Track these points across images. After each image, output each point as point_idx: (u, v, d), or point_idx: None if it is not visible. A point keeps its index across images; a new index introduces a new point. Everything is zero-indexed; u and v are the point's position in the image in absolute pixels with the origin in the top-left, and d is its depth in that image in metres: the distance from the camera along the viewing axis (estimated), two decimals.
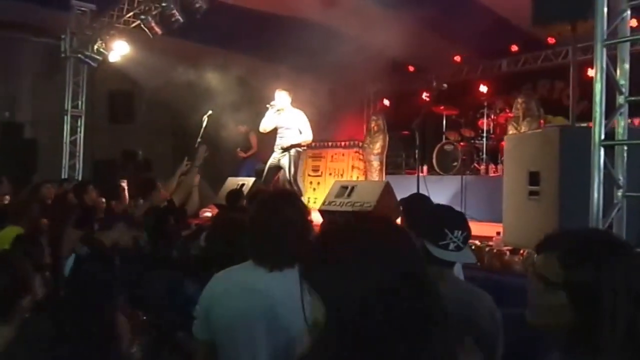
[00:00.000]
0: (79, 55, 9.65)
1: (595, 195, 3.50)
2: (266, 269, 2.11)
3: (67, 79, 10.21)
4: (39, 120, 11.05)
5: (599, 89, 3.62)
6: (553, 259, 1.42)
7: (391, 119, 10.79)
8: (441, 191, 9.31)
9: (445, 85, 8.43)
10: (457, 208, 8.37)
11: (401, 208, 3.60)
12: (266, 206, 2.27)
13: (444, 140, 10.33)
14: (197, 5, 7.56)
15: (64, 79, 10.29)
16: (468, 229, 2.41)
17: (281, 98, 7.88)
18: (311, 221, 2.59)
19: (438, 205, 3.84)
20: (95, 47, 9.44)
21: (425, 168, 10.25)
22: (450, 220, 2.41)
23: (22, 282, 2.47)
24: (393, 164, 10.75)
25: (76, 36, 9.72)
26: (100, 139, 10.83)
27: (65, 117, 10.28)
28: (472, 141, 10.19)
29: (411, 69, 11.90)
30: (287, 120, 7.81)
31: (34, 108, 11.27)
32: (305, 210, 2.30)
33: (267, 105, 7.82)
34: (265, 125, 7.91)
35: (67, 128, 10.33)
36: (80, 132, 10.46)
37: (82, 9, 9.69)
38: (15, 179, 8.68)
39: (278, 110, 7.73)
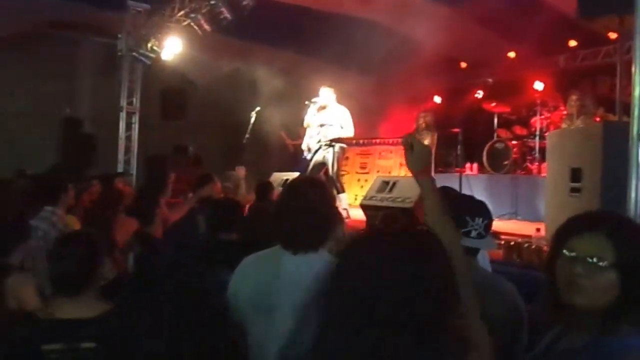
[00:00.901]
0: (134, 54, 9.97)
1: (633, 191, 3.31)
2: (291, 253, 2.16)
3: (122, 76, 10.55)
4: (97, 117, 11.49)
5: (637, 82, 3.43)
6: (600, 239, 1.37)
7: (441, 116, 10.62)
8: (491, 190, 9.10)
9: (490, 80, 8.19)
10: (507, 208, 8.24)
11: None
12: (289, 191, 2.34)
13: (495, 139, 10.05)
14: (245, 2, 7.68)
15: (120, 76, 10.64)
16: (489, 217, 2.42)
17: (325, 94, 7.92)
18: (336, 207, 2.63)
19: (460, 194, 3.79)
20: (149, 45, 9.73)
21: (475, 166, 10.03)
22: (471, 207, 2.42)
23: (99, 254, 2.55)
24: (443, 162, 10.56)
25: (131, 35, 10.04)
26: (153, 135, 11.15)
27: (121, 114, 10.63)
28: (525, 140, 9.86)
29: (463, 65, 11.66)
30: (330, 116, 7.84)
31: (92, 105, 11.72)
32: (328, 197, 2.34)
33: (307, 102, 7.86)
34: (309, 122, 7.96)
35: (122, 124, 10.68)
36: (134, 128, 10.78)
37: (137, 8, 10.00)
38: (75, 172, 9.05)
39: (321, 106, 7.76)
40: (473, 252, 2.37)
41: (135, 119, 10.75)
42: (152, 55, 9.87)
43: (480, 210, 2.42)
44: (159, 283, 2.79)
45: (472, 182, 9.06)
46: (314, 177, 4.14)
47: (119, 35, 10.22)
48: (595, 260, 1.38)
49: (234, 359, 2.34)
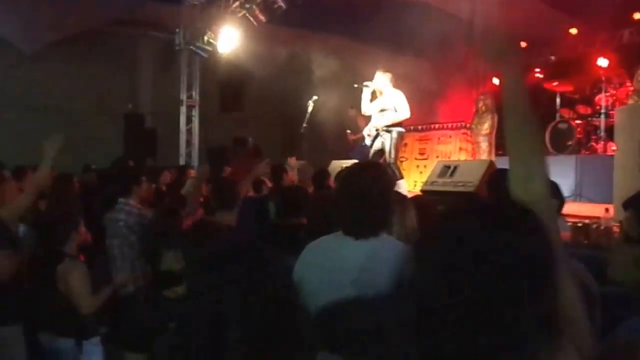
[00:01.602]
0: (191, 47, 10.16)
1: None
2: (352, 238, 2.19)
3: (181, 70, 10.77)
4: (158, 111, 11.79)
5: None
6: (632, 216, 1.37)
7: (501, 98, 10.37)
8: (554, 171, 8.82)
9: (552, 57, 7.92)
10: (572, 189, 7.96)
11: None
12: (347, 178, 2.38)
13: (557, 119, 9.77)
14: None
15: (178, 70, 10.86)
16: (561, 198, 2.44)
17: (381, 80, 7.85)
18: (397, 192, 2.61)
19: None
20: (206, 38, 9.89)
21: None
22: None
23: None
24: (504, 145, 10.33)
25: (188, 29, 10.24)
26: (213, 128, 11.35)
27: (181, 107, 10.87)
28: (589, 118, 9.54)
29: (522, 44, 11.32)
30: (387, 101, 7.77)
31: (153, 99, 12.03)
32: (387, 181, 2.36)
33: (356, 85, 7.79)
34: (366, 108, 7.93)
35: (183, 118, 10.92)
36: (194, 121, 11.00)
37: (194, 2, 10.16)
38: (139, 164, 9.34)
39: (378, 91, 7.71)
40: None
41: (195, 112, 10.97)
42: (208, 48, 10.04)
43: (552, 191, 2.37)
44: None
45: None
46: (372, 162, 4.13)
47: (177, 30, 10.43)
48: (626, 234, 1.39)
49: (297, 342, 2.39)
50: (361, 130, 10.13)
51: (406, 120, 7.81)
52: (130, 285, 4.01)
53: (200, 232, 3.24)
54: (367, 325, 2.10)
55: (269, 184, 6.53)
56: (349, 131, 10.37)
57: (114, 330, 3.69)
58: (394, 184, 2.54)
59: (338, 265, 2.19)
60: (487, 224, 1.07)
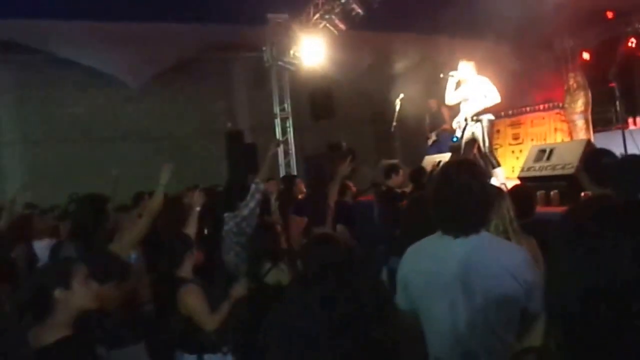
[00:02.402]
0: (280, 63, 10.65)
1: None
2: (451, 237, 2.18)
3: (272, 85, 11.28)
4: (255, 126, 12.42)
5: None
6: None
7: (593, 72, 10.02)
8: None
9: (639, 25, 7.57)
10: None
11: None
12: (441, 176, 2.34)
13: None
14: None
15: (270, 86, 11.39)
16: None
17: (465, 69, 7.84)
18: (492, 186, 2.61)
19: (629, 155, 3.55)
20: (292, 52, 10.34)
21: (639, 120, 9.39)
22: None
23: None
24: (602, 121, 9.99)
25: (275, 46, 10.73)
26: (307, 136, 11.79)
27: (276, 120, 11.38)
28: None
29: (610, 15, 10.86)
30: (472, 90, 7.74)
31: (249, 116, 12.69)
32: (481, 177, 2.29)
33: (442, 75, 7.81)
34: (450, 98, 7.93)
35: (278, 130, 11.43)
36: (289, 132, 11.47)
37: (277, 20, 10.64)
38: (242, 181, 9.91)
39: (460, 80, 7.72)
40: None
41: (289, 123, 11.43)
42: (295, 61, 10.48)
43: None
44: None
45: (638, 137, 8.50)
46: (464, 159, 4.07)
47: (264, 48, 10.96)
48: None
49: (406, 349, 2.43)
50: (446, 122, 10.16)
51: (495, 106, 7.79)
52: None
53: (318, 241, 3.17)
54: (477, 326, 2.09)
55: (353, 189, 6.72)
56: (428, 135, 10.30)
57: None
58: (489, 177, 2.55)
59: (442, 267, 2.17)
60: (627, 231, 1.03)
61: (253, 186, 4.96)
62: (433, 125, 10.37)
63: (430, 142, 10.25)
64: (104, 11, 9.41)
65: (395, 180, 6.79)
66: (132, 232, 3.96)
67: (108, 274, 3.22)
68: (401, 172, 6.94)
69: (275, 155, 11.15)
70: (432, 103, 10.26)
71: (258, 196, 4.90)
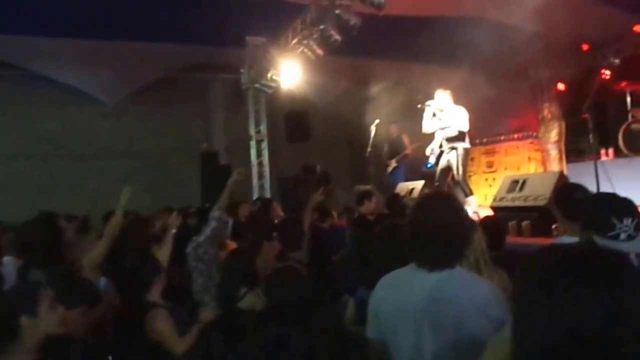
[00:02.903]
0: (257, 85, 10.64)
1: None
2: (426, 270, 2.16)
3: (249, 107, 11.26)
4: (230, 148, 12.36)
5: None
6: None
7: (568, 103, 10.18)
8: (632, 175, 8.59)
9: (617, 61, 7.76)
10: None
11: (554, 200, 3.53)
12: (420, 208, 2.32)
13: (630, 119, 9.47)
14: (352, 23, 7.93)
15: (247, 107, 11.36)
16: (639, 215, 2.26)
17: (442, 98, 7.93)
18: (469, 220, 2.60)
19: (601, 193, 3.61)
20: (269, 75, 10.34)
21: (611, 151, 9.52)
22: (618, 207, 2.29)
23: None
24: (575, 151, 10.11)
25: (252, 68, 10.73)
26: (282, 158, 11.75)
27: (251, 142, 11.33)
28: None
29: (585, 47, 11.07)
30: (449, 119, 7.82)
31: (225, 137, 12.63)
32: (459, 211, 2.30)
33: (419, 105, 7.90)
34: (427, 127, 8.00)
35: (253, 152, 11.37)
36: (264, 154, 11.43)
37: (255, 43, 10.64)
38: (214, 202, 9.80)
39: (439, 109, 7.79)
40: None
41: (265, 145, 11.39)
42: (272, 84, 10.47)
43: (627, 209, 2.27)
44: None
45: (609, 168, 8.58)
46: (443, 192, 4.07)
47: (241, 70, 10.95)
48: None
49: None
50: (407, 148, 10.24)
51: (471, 134, 7.86)
52: None
53: (279, 276, 3.20)
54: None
55: (334, 215, 6.71)
56: (388, 161, 10.35)
57: None
58: (465, 211, 2.53)
59: (412, 300, 2.15)
60: (584, 282, 1.03)
61: (211, 213, 4.98)
62: (392, 152, 10.42)
63: (389, 169, 10.29)
64: (82, 29, 9.33)
65: (368, 207, 6.77)
66: (91, 255, 3.88)
67: (77, 298, 3.16)
68: (374, 198, 6.92)
69: (244, 180, 11.12)
70: (393, 129, 10.35)
71: (214, 224, 4.90)
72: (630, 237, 2.20)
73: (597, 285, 1.02)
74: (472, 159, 9.77)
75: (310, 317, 1.21)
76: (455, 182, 7.84)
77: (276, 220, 7.28)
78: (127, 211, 7.56)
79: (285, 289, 2.87)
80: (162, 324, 3.50)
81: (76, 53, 10.08)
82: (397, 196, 7.66)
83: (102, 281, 4.16)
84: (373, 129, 9.40)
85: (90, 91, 11.48)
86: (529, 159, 9.91)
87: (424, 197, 2.60)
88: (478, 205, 8.17)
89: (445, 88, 8.04)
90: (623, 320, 0.99)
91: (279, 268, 3.59)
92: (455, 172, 7.81)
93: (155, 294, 3.69)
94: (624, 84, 9.70)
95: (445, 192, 4.98)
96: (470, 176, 9.37)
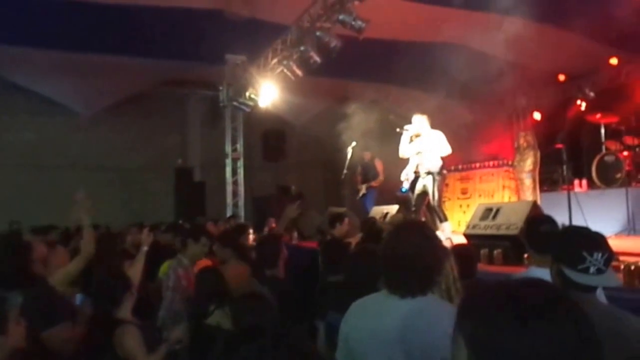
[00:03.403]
0: (235, 103, 10.57)
1: None
2: (398, 297, 2.17)
3: (226, 125, 11.18)
4: (206, 164, 12.26)
5: None
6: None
7: (544, 133, 10.28)
8: (604, 206, 8.67)
9: (594, 88, 7.85)
10: (623, 223, 7.74)
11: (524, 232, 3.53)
12: (394, 235, 2.34)
13: (603, 151, 9.58)
14: (332, 45, 7.93)
15: (223, 125, 11.29)
16: (609, 250, 2.29)
17: (419, 122, 7.92)
18: (441, 248, 2.57)
19: (573, 226, 3.64)
20: (247, 94, 10.29)
21: (584, 182, 9.60)
22: (588, 241, 2.31)
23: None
24: (549, 181, 10.18)
25: (231, 86, 10.68)
26: (258, 177, 11.68)
27: (227, 160, 11.22)
28: (637, 149, 9.32)
29: (562, 78, 11.25)
30: (426, 143, 7.82)
31: (201, 154, 12.54)
32: (433, 240, 2.33)
33: (398, 130, 7.91)
34: (404, 152, 7.98)
35: (229, 169, 11.27)
36: (240, 172, 11.33)
37: (235, 62, 10.61)
38: (188, 218, 9.69)
39: (415, 134, 7.79)
40: (591, 288, 2.28)
41: (240, 163, 11.29)
42: (250, 103, 10.42)
43: (598, 243, 2.29)
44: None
45: (582, 199, 8.66)
46: (417, 221, 4.12)
47: (220, 88, 10.89)
48: None
49: None
50: (379, 174, 10.25)
51: (447, 160, 7.85)
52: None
53: (249, 301, 3.22)
54: None
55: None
56: (359, 186, 10.33)
57: None
58: (438, 239, 2.54)
59: (384, 326, 2.16)
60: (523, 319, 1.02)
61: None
62: (364, 176, 10.42)
63: (360, 194, 10.27)
64: (59, 39, 9.21)
65: (340, 230, 6.68)
66: (66, 270, 3.83)
67: (58, 316, 3.22)
68: (346, 221, 6.85)
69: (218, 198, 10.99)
70: (366, 155, 10.33)
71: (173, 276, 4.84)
72: (599, 271, 2.22)
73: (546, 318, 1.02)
74: (446, 184, 9.76)
75: (281, 341, 1.23)
76: (430, 208, 7.82)
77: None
78: (97, 225, 7.50)
79: (254, 315, 2.92)
80: (130, 340, 3.46)
81: (52, 63, 9.95)
82: (372, 220, 7.61)
83: (78, 297, 4.18)
84: (350, 151, 9.38)
85: (65, 102, 11.33)
86: (504, 187, 9.94)
87: (397, 225, 2.58)
88: (452, 231, 8.15)
89: (423, 112, 8.04)
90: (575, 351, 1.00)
91: (248, 294, 3.52)
92: (430, 197, 7.79)
93: (125, 310, 3.64)
94: (598, 115, 9.81)
95: (419, 220, 4.97)
96: (444, 202, 9.35)
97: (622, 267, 4.54)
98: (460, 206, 10.33)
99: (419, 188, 7.92)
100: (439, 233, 7.62)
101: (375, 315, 2.23)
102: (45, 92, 11.12)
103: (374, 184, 10.32)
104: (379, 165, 10.36)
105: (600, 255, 2.22)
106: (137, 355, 3.43)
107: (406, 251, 2.20)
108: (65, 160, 11.79)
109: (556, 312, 1.04)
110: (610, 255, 2.28)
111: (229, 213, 10.78)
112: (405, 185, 8.06)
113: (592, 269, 2.21)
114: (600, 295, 3.08)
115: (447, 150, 7.64)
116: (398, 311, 2.13)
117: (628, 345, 2.07)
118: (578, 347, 1.01)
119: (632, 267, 4.47)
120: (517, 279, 1.14)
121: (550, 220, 3.50)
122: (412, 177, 7.94)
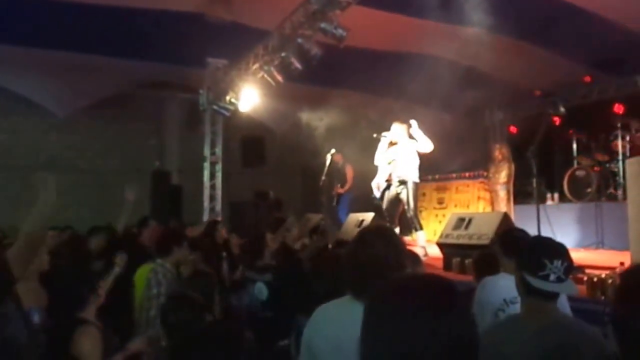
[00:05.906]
0: (214, 107, 10.54)
1: None
2: (361, 302, 2.11)
3: (205, 129, 11.13)
4: (183, 168, 12.18)
5: None
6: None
7: (518, 146, 10.46)
8: (574, 220, 8.87)
9: (563, 109, 8.07)
10: (593, 237, 7.93)
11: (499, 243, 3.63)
12: (359, 241, 2.33)
13: (575, 166, 9.79)
14: (313, 52, 7.98)
15: (203, 129, 11.25)
16: (569, 260, 2.35)
17: (397, 130, 8.02)
18: (408, 254, 2.62)
19: (536, 236, 3.73)
20: (228, 98, 10.27)
21: (556, 196, 9.79)
22: (549, 250, 2.38)
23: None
24: (523, 193, 10.36)
25: (211, 90, 10.64)
26: (236, 182, 11.63)
27: (205, 164, 11.17)
28: (607, 165, 9.54)
29: (537, 93, 11.47)
30: (403, 152, 7.90)
31: (179, 157, 12.46)
32: (399, 245, 2.32)
33: (375, 135, 7.97)
34: (378, 159, 8.06)
35: (206, 173, 11.21)
36: (218, 176, 11.28)
37: (216, 65, 10.58)
38: (164, 222, 9.58)
39: (392, 142, 7.88)
40: (551, 296, 2.33)
41: (219, 167, 11.24)
42: (230, 107, 10.39)
43: (559, 252, 2.36)
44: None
45: (553, 212, 8.86)
46: (382, 226, 4.15)
47: (200, 91, 10.86)
48: None
49: None
50: (348, 182, 10.31)
51: (423, 170, 7.95)
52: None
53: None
54: None
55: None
56: (338, 185, 10.40)
57: None
58: (405, 245, 2.53)
59: (348, 333, 2.06)
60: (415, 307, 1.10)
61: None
62: (337, 180, 10.45)
63: (334, 201, 10.30)
64: (35, 37, 9.07)
65: (290, 236, 6.53)
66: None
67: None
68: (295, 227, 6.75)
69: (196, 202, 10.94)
70: (338, 157, 10.23)
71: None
72: (559, 280, 2.27)
73: (425, 311, 1.09)
74: (423, 194, 9.90)
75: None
76: (406, 217, 7.90)
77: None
78: (63, 227, 7.40)
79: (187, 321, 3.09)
80: (87, 342, 3.39)
81: (27, 61, 9.80)
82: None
83: (35, 314, 3.79)
84: (328, 158, 9.43)
85: (40, 101, 11.17)
86: (479, 198, 10.10)
87: (363, 231, 2.53)
88: (427, 240, 8.24)
89: (400, 121, 8.14)
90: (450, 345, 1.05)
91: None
92: (405, 206, 7.87)
93: (89, 313, 3.58)
94: (570, 131, 10.04)
95: (384, 226, 5.00)
96: (421, 211, 9.47)
97: (585, 279, 4.69)
98: (437, 216, 10.47)
99: (391, 196, 8.01)
100: (417, 241, 7.73)
101: (337, 322, 2.21)
102: (19, 91, 10.93)
103: (341, 190, 10.38)
104: (349, 171, 10.44)
105: (560, 263, 2.28)
106: (89, 358, 3.36)
107: (369, 256, 2.19)
108: (37, 161, 11.62)
109: (438, 307, 1.10)
110: (570, 265, 2.34)
111: (205, 217, 10.72)
112: (376, 194, 8.12)
113: (552, 277, 2.27)
114: (565, 306, 3.19)
115: (428, 146, 7.74)
116: (359, 317, 2.12)
117: (586, 353, 2.15)
118: (450, 343, 1.06)
119: (595, 279, 4.64)
120: (418, 275, 1.22)
121: (522, 231, 3.66)
122: (383, 185, 8.03)
